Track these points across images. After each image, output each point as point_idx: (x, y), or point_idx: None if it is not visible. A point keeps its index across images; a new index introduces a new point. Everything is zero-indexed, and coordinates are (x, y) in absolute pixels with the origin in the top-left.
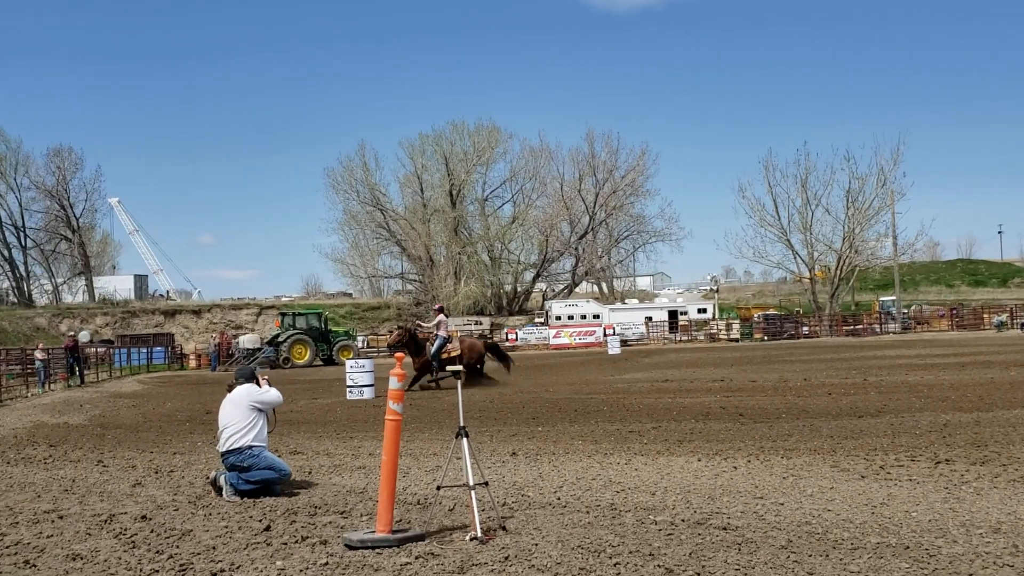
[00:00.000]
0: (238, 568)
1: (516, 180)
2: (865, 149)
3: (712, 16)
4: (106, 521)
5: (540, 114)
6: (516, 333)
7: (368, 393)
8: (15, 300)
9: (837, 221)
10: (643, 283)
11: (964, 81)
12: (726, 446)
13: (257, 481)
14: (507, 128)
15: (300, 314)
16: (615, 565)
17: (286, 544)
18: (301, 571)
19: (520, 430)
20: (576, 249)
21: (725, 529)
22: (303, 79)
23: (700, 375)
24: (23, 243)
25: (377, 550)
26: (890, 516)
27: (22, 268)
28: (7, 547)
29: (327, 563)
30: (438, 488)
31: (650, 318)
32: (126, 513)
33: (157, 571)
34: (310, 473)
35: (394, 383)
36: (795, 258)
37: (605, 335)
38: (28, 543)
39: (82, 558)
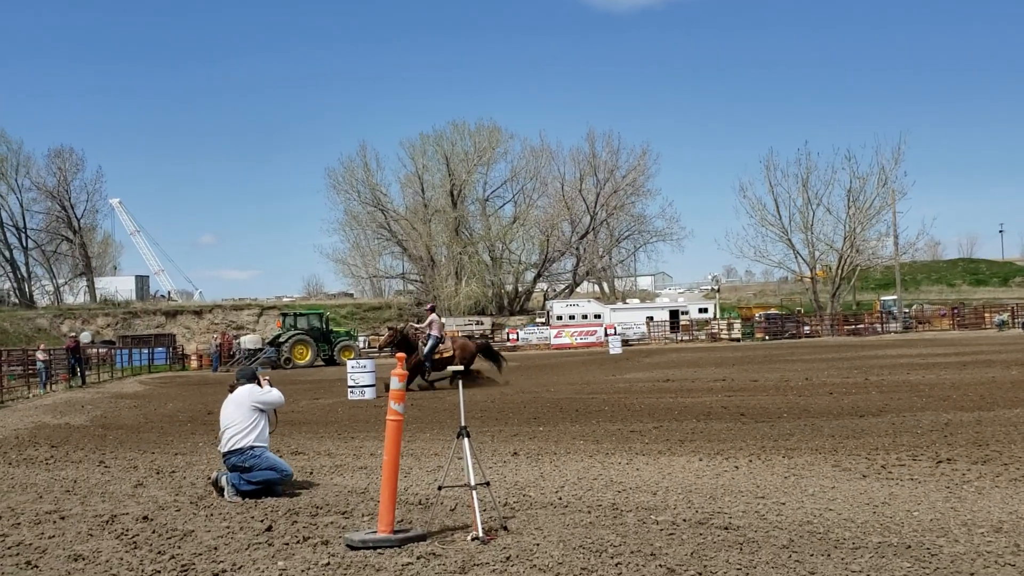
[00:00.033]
0: (240, 568)
1: (517, 180)
2: (866, 148)
3: (712, 16)
4: (108, 522)
5: (541, 114)
6: (517, 333)
7: (369, 393)
8: (16, 301)
9: (838, 220)
10: (644, 283)
11: (964, 81)
12: (727, 446)
13: (259, 481)
14: (508, 128)
15: (301, 314)
16: (616, 565)
17: (288, 544)
18: (303, 571)
19: (521, 430)
20: (577, 249)
21: (727, 529)
22: (303, 79)
23: (701, 375)
24: (24, 244)
25: (379, 550)
26: (892, 515)
27: (23, 269)
28: (9, 548)
29: (329, 563)
30: (439, 488)
31: (651, 318)
32: (128, 514)
33: (159, 571)
34: (312, 473)
35: (395, 383)
36: (796, 258)
37: (606, 335)
38: (30, 544)
39: (84, 559)
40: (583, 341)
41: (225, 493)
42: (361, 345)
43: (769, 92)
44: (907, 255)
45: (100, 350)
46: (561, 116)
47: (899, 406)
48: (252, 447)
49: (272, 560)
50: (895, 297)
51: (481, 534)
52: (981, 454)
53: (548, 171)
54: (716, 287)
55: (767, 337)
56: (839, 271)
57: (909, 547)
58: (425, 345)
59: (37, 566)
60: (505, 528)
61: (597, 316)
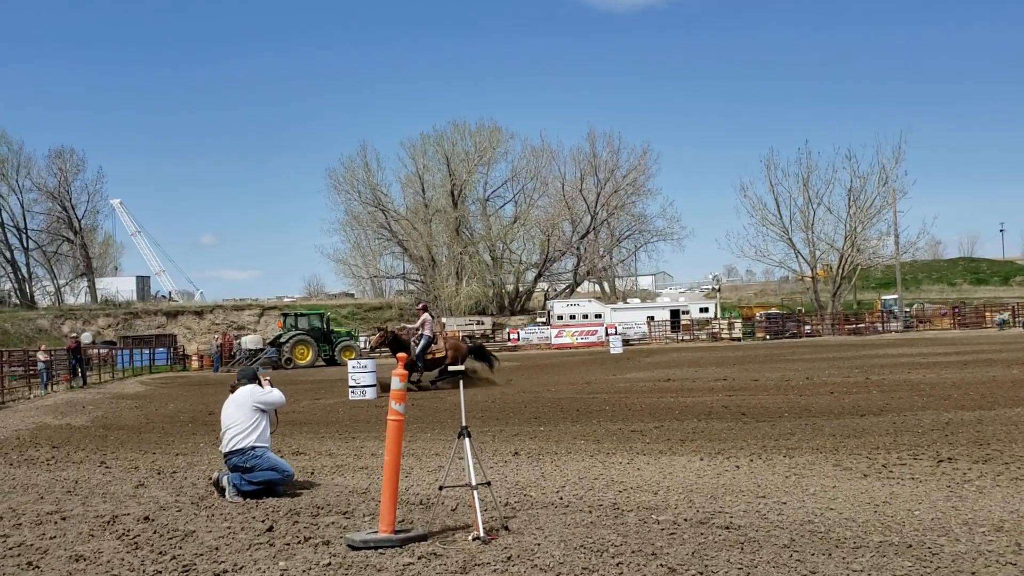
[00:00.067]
0: (241, 569)
1: (517, 180)
2: (867, 148)
3: (712, 16)
4: (109, 522)
5: (541, 114)
6: (518, 333)
7: (370, 393)
8: (17, 302)
9: (839, 220)
10: (645, 282)
11: (964, 81)
12: (728, 445)
13: (260, 482)
14: (508, 128)
15: (302, 315)
16: (618, 565)
17: (289, 545)
18: (304, 571)
19: (522, 430)
20: (578, 249)
21: (728, 528)
22: (303, 79)
23: (702, 374)
24: (25, 245)
25: (380, 550)
26: (893, 515)
27: (24, 270)
28: (10, 548)
29: (330, 563)
30: (440, 488)
31: (652, 317)
32: (129, 514)
33: (160, 572)
34: (313, 474)
35: (396, 383)
36: (797, 257)
37: (607, 335)
38: (31, 544)
39: (85, 559)
40: (584, 341)
41: (226, 493)
42: (362, 345)
43: (769, 92)
44: (908, 254)
45: (101, 351)
46: (561, 116)
47: (900, 405)
48: (253, 447)
49: (273, 560)
50: (896, 296)
51: (482, 534)
52: (982, 453)
53: (549, 171)
54: (717, 287)
55: (768, 336)
56: (840, 270)
57: (910, 546)
58: (417, 345)
59: (38, 567)
60: (506, 528)
61: (598, 316)
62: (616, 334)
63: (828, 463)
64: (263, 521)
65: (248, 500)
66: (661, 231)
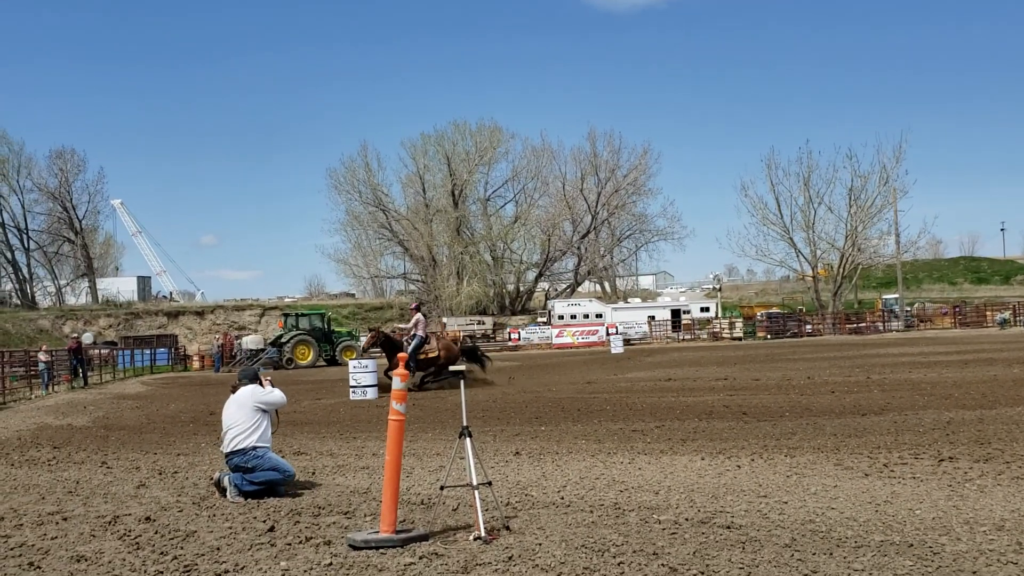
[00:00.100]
0: (242, 569)
1: (518, 180)
2: (867, 147)
3: (712, 16)
4: (110, 523)
5: (542, 114)
6: (519, 333)
7: (371, 393)
8: (18, 302)
9: (840, 219)
10: (646, 282)
11: (965, 80)
12: (729, 445)
13: (261, 482)
14: (509, 128)
15: (303, 315)
16: (619, 564)
17: (290, 545)
18: (305, 571)
19: (523, 430)
20: (578, 248)
21: (729, 528)
22: (303, 79)
23: (703, 374)
24: (26, 245)
25: (381, 550)
26: (894, 514)
27: (25, 270)
28: (12, 549)
29: (331, 563)
30: (442, 488)
31: (653, 317)
32: (130, 514)
33: (161, 572)
34: (314, 474)
35: (396, 383)
36: (798, 256)
37: (608, 334)
38: (33, 545)
39: (86, 560)
40: (585, 340)
41: (228, 493)
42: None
43: (769, 92)
44: (909, 253)
45: (102, 351)
46: (562, 116)
47: (901, 404)
48: (254, 447)
49: (275, 560)
50: (897, 296)
51: (483, 534)
52: (983, 452)
53: (549, 171)
54: (718, 286)
55: (769, 336)
56: (841, 270)
57: (911, 545)
58: (409, 345)
59: (40, 567)
60: (507, 528)
61: (599, 315)
62: (617, 334)
63: (829, 462)
64: (264, 521)
65: (249, 500)
66: (662, 231)
